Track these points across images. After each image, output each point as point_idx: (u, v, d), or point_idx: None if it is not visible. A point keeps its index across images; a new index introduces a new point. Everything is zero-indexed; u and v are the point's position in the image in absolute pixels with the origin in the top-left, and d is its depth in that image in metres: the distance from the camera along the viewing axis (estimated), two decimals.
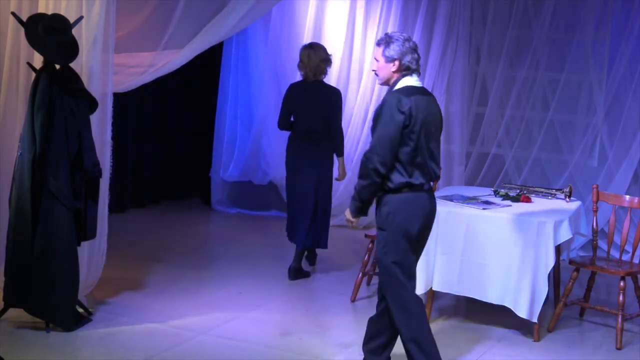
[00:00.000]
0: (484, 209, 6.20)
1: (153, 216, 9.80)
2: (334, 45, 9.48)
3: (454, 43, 9.29)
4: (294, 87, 7.57)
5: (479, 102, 9.35)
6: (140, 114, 9.89)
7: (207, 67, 10.10)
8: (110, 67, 6.17)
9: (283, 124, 7.55)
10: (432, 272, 6.23)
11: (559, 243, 6.11)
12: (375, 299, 6.95)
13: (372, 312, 6.64)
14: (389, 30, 9.37)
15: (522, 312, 5.96)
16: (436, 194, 6.77)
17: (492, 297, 6.11)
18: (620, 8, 8.56)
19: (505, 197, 6.64)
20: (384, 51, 4.99)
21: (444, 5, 9.24)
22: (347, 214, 5.11)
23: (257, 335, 6.01)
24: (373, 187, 4.91)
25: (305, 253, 7.79)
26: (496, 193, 6.78)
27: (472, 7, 9.20)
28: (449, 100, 9.38)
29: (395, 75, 5.00)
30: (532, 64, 8.93)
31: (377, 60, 5.05)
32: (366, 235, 7.05)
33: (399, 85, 4.98)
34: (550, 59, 8.89)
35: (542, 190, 6.96)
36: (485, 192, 6.86)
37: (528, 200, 6.58)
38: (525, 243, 5.95)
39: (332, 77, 9.39)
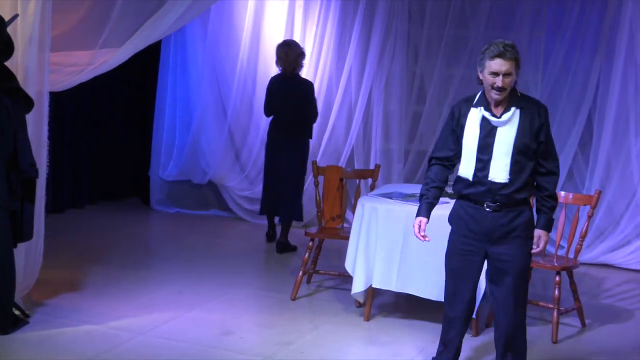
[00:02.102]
0: None
1: (91, 216, 9.70)
2: (273, 45, 9.48)
3: (392, 42, 9.35)
4: (275, 80, 8.54)
5: (417, 101, 9.43)
6: (77, 113, 9.78)
7: (146, 66, 10.03)
8: (47, 66, 6.10)
9: (269, 112, 8.52)
10: (372, 270, 6.26)
11: None
12: (315, 297, 7.00)
13: (312, 309, 6.69)
14: (327, 30, 9.44)
15: None
16: (375, 192, 6.84)
17: (430, 293, 6.16)
18: (554, 8, 8.71)
19: (444, 194, 6.68)
20: (516, 65, 4.75)
21: (382, 5, 9.30)
22: (546, 235, 4.98)
23: (197, 335, 5.99)
24: None
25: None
26: None
27: (409, 6, 9.27)
28: (388, 99, 9.45)
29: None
30: (469, 62, 9.01)
31: (511, 75, 4.74)
32: (306, 234, 7.07)
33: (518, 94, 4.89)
34: None
35: None
36: None
37: None
38: None
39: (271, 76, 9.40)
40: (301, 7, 9.59)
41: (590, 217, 6.51)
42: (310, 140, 8.55)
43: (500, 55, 4.69)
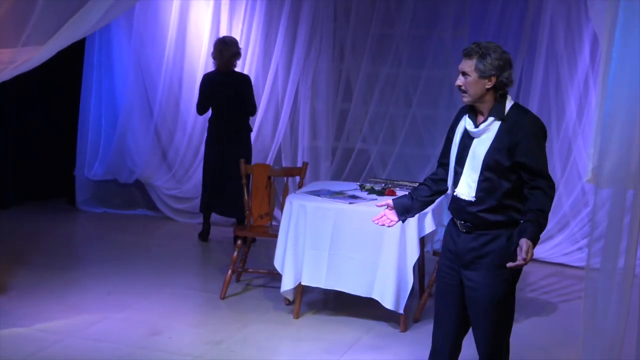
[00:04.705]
0: (350, 203, 6.30)
1: (16, 217, 9.53)
2: (199, 44, 9.46)
3: (318, 41, 9.38)
4: (208, 77, 8.45)
5: (343, 99, 9.48)
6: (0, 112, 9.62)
7: (70, 64, 9.88)
8: None
9: (201, 110, 8.45)
10: (301, 267, 6.30)
11: (423, 235, 6.28)
12: (244, 295, 7.00)
13: (242, 308, 6.70)
14: (253, 29, 9.43)
15: (388, 304, 6.10)
16: (303, 189, 6.87)
17: (359, 290, 6.23)
18: (477, 6, 8.85)
19: (371, 191, 6.75)
20: (477, 64, 4.30)
21: (307, 4, 9.32)
22: (527, 244, 4.13)
23: (126, 335, 5.95)
24: None
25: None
26: (362, 187, 6.89)
27: (335, 6, 9.32)
28: (315, 97, 9.48)
29: (490, 94, 4.35)
30: (394, 61, 9.12)
31: (469, 75, 4.31)
32: (235, 232, 7.08)
33: (509, 103, 4.40)
34: (412, 56, 9.09)
35: (407, 183, 7.12)
36: (351, 187, 6.97)
37: (393, 193, 6.70)
38: (390, 236, 6.07)
39: (197, 76, 9.35)
40: (227, 6, 9.55)
41: None
42: (251, 134, 8.63)
43: (463, 54, 4.40)
